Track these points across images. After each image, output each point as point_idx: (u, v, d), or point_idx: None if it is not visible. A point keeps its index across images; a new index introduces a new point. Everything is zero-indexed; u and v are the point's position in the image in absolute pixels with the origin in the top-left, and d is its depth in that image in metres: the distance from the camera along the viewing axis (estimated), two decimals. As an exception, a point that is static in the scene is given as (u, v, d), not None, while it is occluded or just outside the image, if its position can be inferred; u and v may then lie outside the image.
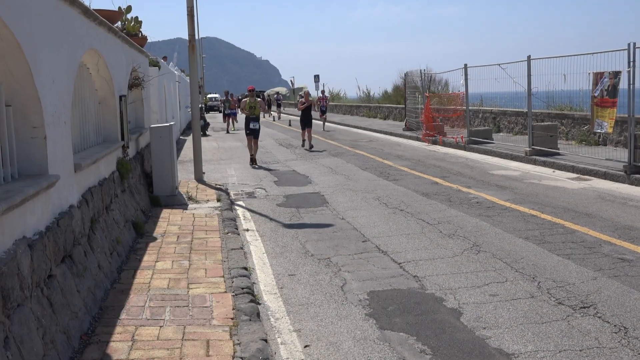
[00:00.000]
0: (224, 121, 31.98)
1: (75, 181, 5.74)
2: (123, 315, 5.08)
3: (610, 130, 12.57)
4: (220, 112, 54.68)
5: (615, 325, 4.85)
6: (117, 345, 4.49)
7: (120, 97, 8.58)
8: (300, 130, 20.99)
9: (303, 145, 20.43)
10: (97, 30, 7.13)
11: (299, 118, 21.94)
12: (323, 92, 34.80)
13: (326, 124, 30.99)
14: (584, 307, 5.26)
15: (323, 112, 31.72)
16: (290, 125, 34.49)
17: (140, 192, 9.61)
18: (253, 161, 16.41)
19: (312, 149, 19.62)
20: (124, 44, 9.36)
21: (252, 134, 16.51)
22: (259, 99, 17.36)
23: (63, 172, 5.24)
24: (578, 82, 13.97)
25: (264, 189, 12.15)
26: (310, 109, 20.43)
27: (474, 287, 5.88)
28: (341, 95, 58.02)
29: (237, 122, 31.67)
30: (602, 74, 12.43)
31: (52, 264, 4.50)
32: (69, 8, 5.76)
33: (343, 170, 14.41)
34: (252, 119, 16.68)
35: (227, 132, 29.89)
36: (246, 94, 18.60)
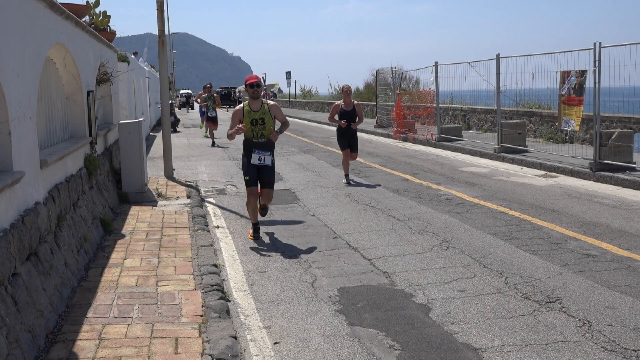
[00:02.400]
0: (206, 128, 22.62)
1: (41, 178, 5.65)
2: (90, 314, 5.02)
3: (577, 128, 12.79)
4: (191, 108, 54.00)
5: (579, 320, 4.94)
6: (84, 343, 4.44)
7: (88, 92, 8.46)
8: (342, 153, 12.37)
9: (348, 183, 11.83)
10: (63, 24, 7.02)
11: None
12: (265, 88, 36.90)
13: (298, 120, 31.03)
14: (550, 302, 5.34)
15: None
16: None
17: (109, 188, 9.49)
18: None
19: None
20: (92, 38, 9.23)
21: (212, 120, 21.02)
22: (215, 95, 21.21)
23: (28, 169, 5.15)
24: (546, 81, 14.18)
25: (235, 186, 12.10)
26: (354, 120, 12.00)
27: (442, 283, 5.94)
28: (313, 92, 58.06)
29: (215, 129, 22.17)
30: (569, 72, 12.63)
31: (16, 262, 4.42)
32: (35, 2, 5.67)
33: (314, 168, 14.42)
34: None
35: (213, 143, 20.56)
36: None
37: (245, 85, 7.83)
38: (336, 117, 12.11)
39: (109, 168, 10.27)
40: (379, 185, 11.63)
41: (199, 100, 24.02)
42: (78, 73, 7.94)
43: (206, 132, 23.76)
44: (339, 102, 12.07)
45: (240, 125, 7.66)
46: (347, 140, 12.00)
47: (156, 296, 5.45)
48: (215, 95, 21.73)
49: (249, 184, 7.95)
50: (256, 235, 7.85)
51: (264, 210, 8.11)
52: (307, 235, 7.98)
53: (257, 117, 7.69)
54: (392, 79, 24.91)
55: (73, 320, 4.88)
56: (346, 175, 12.04)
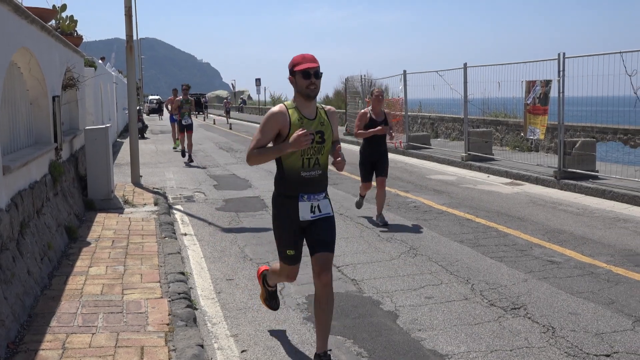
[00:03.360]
0: (176, 136, 20.77)
1: (4, 184, 5.54)
2: (54, 323, 4.93)
3: (542, 137, 13.02)
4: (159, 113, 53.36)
5: (543, 326, 5.02)
6: (47, 353, 4.35)
7: (54, 97, 8.34)
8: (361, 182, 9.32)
9: (359, 206, 9.47)
10: (29, 28, 6.91)
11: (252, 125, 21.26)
12: (227, 97, 39.22)
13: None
14: (515, 308, 5.42)
15: (228, 112, 42.36)
16: (231, 129, 34.28)
17: (74, 195, 9.35)
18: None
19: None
20: (58, 43, 9.10)
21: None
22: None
23: (-10, 175, 5.05)
24: (512, 90, 14.45)
25: (203, 193, 12.02)
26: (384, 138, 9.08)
27: (410, 290, 5.97)
28: (283, 99, 58.11)
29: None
30: (534, 82, 12.86)
31: (-23, 270, 4.32)
32: (-1, 5, 5.57)
33: (283, 174, 14.38)
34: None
35: (190, 157, 17.35)
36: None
37: (294, 73, 4.25)
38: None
39: (75, 174, 10.12)
40: (348, 192, 11.66)
41: (169, 106, 20.29)
42: (43, 78, 7.81)
43: (175, 142, 20.96)
44: (366, 110, 9.00)
45: (300, 134, 4.09)
46: (374, 164, 8.85)
47: (122, 305, 5.37)
48: (191, 99, 18.67)
49: (291, 260, 4.84)
50: (273, 305, 5.18)
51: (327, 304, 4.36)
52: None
53: (312, 131, 4.26)
54: (362, 86, 25.08)
55: (36, 330, 4.78)
56: (379, 216, 8.83)
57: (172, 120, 21.61)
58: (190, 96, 20.11)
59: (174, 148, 21.09)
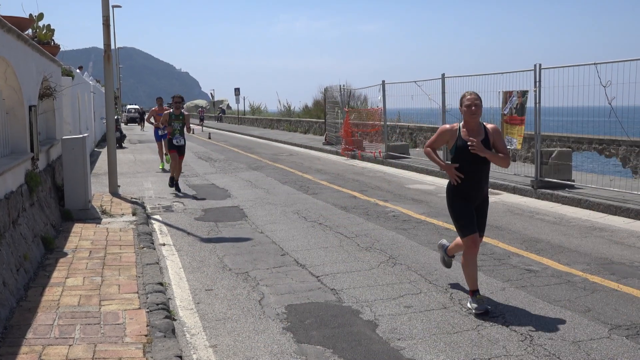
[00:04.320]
0: (163, 154, 18.20)
1: (-21, 194, 5.47)
2: (30, 335, 4.86)
3: (519, 147, 13.15)
4: (138, 123, 52.88)
5: (521, 334, 5.06)
6: (23, 366, 4.29)
7: (30, 107, 8.26)
8: None
9: (449, 265, 6.80)
10: (5, 37, 6.85)
11: (220, 130, 20.75)
12: (202, 107, 41.18)
13: (246, 137, 30.96)
14: (493, 317, 5.46)
15: (202, 120, 45.20)
16: (210, 138, 34.18)
17: (51, 205, 9.25)
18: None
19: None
20: (35, 52, 9.02)
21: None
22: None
23: (-35, 185, 4.98)
24: (489, 100, 14.55)
25: (182, 203, 11.95)
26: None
27: (389, 299, 5.99)
28: (262, 109, 58.07)
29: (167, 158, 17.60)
30: (511, 92, 13.01)
31: (-49, 282, 4.26)
32: (-25, 13, 5.52)
33: (263, 184, 14.39)
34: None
35: (177, 186, 13.68)
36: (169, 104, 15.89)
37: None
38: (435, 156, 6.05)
39: (52, 184, 10.01)
40: (327, 202, 11.68)
41: (153, 119, 18.21)
42: (19, 87, 7.74)
43: (163, 162, 18.21)
44: (451, 126, 5.87)
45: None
46: (474, 211, 5.78)
47: (99, 316, 5.32)
48: (186, 114, 13.93)
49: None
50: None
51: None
52: (255, 252, 7.94)
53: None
54: (341, 96, 25.17)
55: (11, 342, 4.71)
56: (474, 292, 5.70)
57: (157, 136, 18.30)
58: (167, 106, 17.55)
59: (162, 168, 17.92)
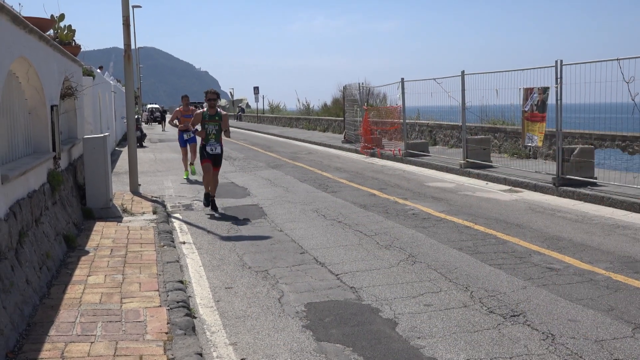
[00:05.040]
0: (188, 162, 15.60)
1: (3, 193, 5.54)
2: (52, 332, 4.92)
3: (540, 144, 13.03)
4: (159, 122, 52.99)
5: (543, 333, 5.01)
6: (45, 363, 4.34)
7: (52, 107, 8.35)
8: None
9: None
10: (27, 38, 6.93)
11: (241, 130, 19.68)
12: (222, 106, 39.83)
13: (266, 135, 31.04)
14: (514, 316, 5.41)
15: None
16: (229, 137, 34.31)
17: (73, 204, 9.34)
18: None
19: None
20: (56, 52, 9.11)
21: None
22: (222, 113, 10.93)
23: (-11, 184, 5.05)
24: (509, 97, 14.47)
25: (202, 201, 12.00)
26: None
27: (409, 298, 5.97)
28: (281, 107, 58.16)
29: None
30: (531, 89, 12.89)
31: (-25, 280, 4.32)
32: (-3, 14, 5.58)
33: (282, 183, 14.41)
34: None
35: (213, 208, 10.95)
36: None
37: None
38: None
39: (73, 183, 10.11)
40: (347, 200, 11.66)
41: (178, 120, 15.20)
42: (42, 87, 7.82)
43: (187, 170, 15.49)
44: None
45: None
46: None
47: (120, 313, 5.36)
48: (223, 113, 11.00)
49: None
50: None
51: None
52: (274, 250, 7.95)
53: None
54: (360, 94, 25.13)
55: (34, 339, 4.77)
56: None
57: (181, 140, 15.40)
58: (193, 106, 16.11)
59: (186, 178, 15.25)
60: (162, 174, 16.93)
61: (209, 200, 10.87)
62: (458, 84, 16.02)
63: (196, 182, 14.89)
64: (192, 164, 15.56)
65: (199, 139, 11.47)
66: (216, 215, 10.56)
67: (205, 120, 10.74)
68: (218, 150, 10.81)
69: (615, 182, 11.48)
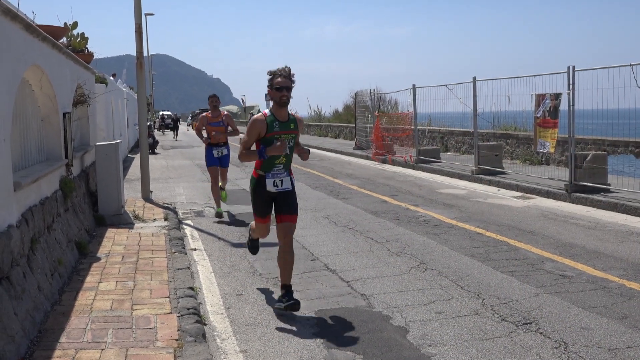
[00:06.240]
0: (217, 190, 11.26)
1: (15, 200, 5.57)
2: (63, 338, 4.93)
3: (552, 150, 12.95)
4: (171, 129, 52.45)
5: (556, 341, 4.96)
6: (56, 369, 4.35)
7: (65, 114, 8.40)
8: None
9: None
10: (40, 46, 6.98)
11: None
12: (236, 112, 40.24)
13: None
14: (527, 323, 5.36)
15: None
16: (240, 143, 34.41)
17: (85, 211, 9.39)
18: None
19: None
20: (69, 60, 9.18)
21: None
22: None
23: (1, 191, 5.08)
24: (521, 103, 14.40)
25: (213, 208, 12.02)
26: None
27: (420, 305, 5.93)
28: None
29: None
30: (544, 95, 12.83)
31: (-13, 286, 4.34)
32: (10, 23, 5.63)
33: (293, 189, 14.38)
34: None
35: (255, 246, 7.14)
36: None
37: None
38: None
39: (85, 190, 10.17)
40: (358, 207, 11.63)
41: (203, 130, 11.26)
42: (54, 95, 7.88)
43: (219, 206, 11.10)
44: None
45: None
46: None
47: (131, 320, 5.37)
48: (298, 117, 6.53)
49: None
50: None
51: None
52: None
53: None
54: (371, 101, 25.11)
55: (45, 346, 4.78)
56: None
57: (211, 158, 11.37)
58: (201, 110, 14.30)
59: (218, 213, 11.03)
60: (173, 180, 16.99)
61: (256, 247, 7.09)
62: (470, 90, 15.97)
63: (207, 188, 14.71)
64: (223, 188, 11.59)
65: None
66: (226, 221, 10.55)
67: (276, 131, 6.16)
68: (288, 185, 6.25)
69: (629, 189, 11.38)
